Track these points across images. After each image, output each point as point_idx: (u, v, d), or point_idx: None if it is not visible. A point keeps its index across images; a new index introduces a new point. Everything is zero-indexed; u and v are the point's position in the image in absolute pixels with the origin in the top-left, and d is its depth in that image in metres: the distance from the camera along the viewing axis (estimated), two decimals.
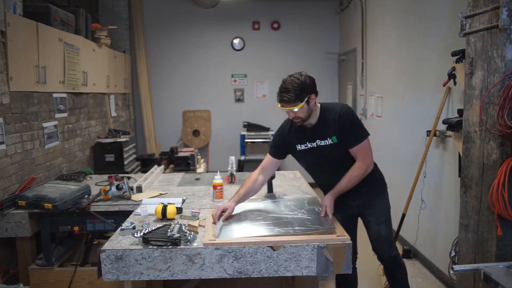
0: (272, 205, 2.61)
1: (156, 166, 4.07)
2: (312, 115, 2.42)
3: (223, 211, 2.39)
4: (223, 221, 2.35)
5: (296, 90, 2.29)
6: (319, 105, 2.47)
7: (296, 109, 2.32)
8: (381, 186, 2.63)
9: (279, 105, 2.37)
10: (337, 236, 2.12)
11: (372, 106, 5.21)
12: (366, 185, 2.51)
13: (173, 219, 2.45)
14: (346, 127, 2.37)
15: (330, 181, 2.51)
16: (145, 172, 4.68)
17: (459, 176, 2.84)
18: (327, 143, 2.42)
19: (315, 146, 2.45)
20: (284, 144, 2.57)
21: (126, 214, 2.78)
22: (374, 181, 2.57)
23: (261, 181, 2.58)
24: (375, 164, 2.56)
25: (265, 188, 2.95)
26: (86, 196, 3.05)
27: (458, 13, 2.40)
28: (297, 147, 2.51)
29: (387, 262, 2.67)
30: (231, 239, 2.11)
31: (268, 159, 2.60)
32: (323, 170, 2.56)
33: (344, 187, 2.41)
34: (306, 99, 2.32)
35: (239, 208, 2.52)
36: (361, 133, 2.40)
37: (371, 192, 2.56)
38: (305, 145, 2.48)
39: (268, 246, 2.06)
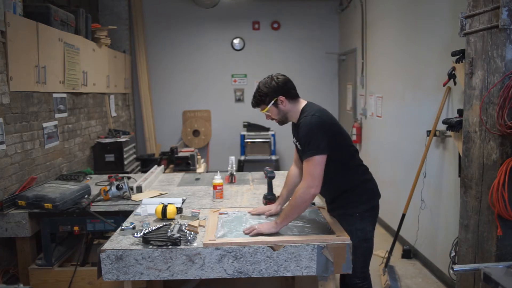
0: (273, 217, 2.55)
1: (156, 166, 4.07)
2: (291, 115, 2.34)
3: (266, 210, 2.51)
4: (266, 216, 2.48)
5: (259, 95, 2.32)
6: (304, 104, 2.35)
7: (265, 112, 2.35)
8: (356, 207, 2.29)
9: None
10: (337, 236, 2.13)
11: (372, 106, 5.20)
12: (336, 201, 2.36)
13: (173, 219, 2.46)
14: (301, 139, 2.23)
15: None
16: (145, 172, 4.68)
17: (459, 176, 2.84)
18: (297, 146, 2.38)
19: (294, 143, 2.44)
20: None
21: (126, 214, 2.78)
22: (348, 198, 2.28)
23: (297, 173, 2.54)
24: (359, 183, 2.32)
25: (264, 188, 2.94)
26: (86, 196, 3.05)
27: (458, 13, 2.40)
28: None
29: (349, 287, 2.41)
30: (231, 239, 2.11)
31: (295, 150, 2.55)
32: None
33: (286, 214, 2.18)
34: (272, 102, 2.29)
35: (240, 215, 2.53)
36: (309, 150, 2.14)
37: (339, 209, 2.32)
38: (294, 139, 2.45)
39: (268, 246, 2.06)
